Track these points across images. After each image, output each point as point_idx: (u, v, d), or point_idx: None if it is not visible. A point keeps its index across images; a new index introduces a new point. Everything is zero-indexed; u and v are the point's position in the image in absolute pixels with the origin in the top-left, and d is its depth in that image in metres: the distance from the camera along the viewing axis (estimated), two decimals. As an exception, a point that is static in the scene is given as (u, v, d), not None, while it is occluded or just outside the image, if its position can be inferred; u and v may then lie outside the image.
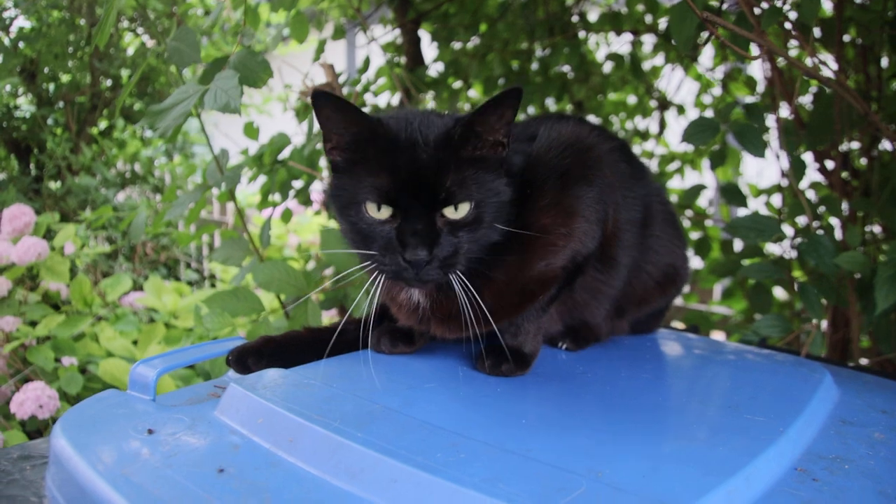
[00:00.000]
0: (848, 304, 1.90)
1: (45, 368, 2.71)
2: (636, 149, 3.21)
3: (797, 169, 1.87)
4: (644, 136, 3.15)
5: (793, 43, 2.32)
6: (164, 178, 4.59)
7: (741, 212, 3.34)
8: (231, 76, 1.73)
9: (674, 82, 3.04)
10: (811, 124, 1.98)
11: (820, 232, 1.81)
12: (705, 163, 2.96)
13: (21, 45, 3.84)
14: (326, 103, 1.25)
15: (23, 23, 3.80)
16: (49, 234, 3.17)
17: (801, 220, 2.01)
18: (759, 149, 1.67)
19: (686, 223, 2.90)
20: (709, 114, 2.94)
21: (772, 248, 2.38)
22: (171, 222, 3.35)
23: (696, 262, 3.13)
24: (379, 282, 1.28)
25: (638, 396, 1.29)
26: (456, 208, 1.23)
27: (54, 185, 3.83)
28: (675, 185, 3.14)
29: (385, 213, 1.23)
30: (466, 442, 1.01)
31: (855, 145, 2.17)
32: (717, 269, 2.38)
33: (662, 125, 3.09)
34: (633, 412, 1.21)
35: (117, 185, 4.05)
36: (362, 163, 1.26)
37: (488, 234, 1.28)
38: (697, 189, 2.59)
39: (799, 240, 1.82)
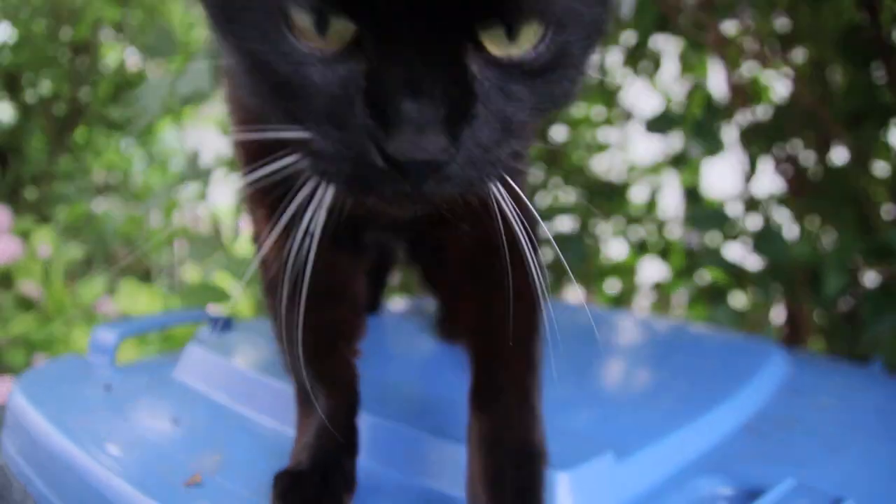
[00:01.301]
0: (800, 298, 1.94)
1: (15, 368, 2.70)
2: (599, 160, 3.23)
3: (751, 165, 1.92)
4: (606, 147, 3.17)
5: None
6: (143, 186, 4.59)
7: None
8: (202, 63, 1.77)
9: (638, 95, 3.08)
10: (767, 127, 2.03)
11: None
12: (668, 175, 3.00)
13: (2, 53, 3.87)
14: None
15: (4, 30, 3.83)
16: (25, 240, 3.16)
17: (757, 223, 2.05)
18: (714, 145, 1.73)
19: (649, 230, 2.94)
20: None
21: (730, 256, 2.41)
22: (145, 227, 3.36)
23: (661, 271, 3.15)
24: (316, 200, 0.57)
25: (586, 366, 1.29)
26: (513, 33, 0.53)
27: (32, 193, 3.83)
28: (641, 195, 3.16)
29: (339, 36, 0.52)
30: (424, 391, 1.03)
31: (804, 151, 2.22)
32: (681, 273, 2.42)
33: (626, 137, 3.13)
34: (582, 377, 1.21)
35: (95, 192, 4.04)
36: None
37: (570, 93, 0.61)
38: (655, 192, 2.62)
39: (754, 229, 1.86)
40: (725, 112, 1.92)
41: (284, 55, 0.52)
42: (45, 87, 3.97)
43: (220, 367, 1.10)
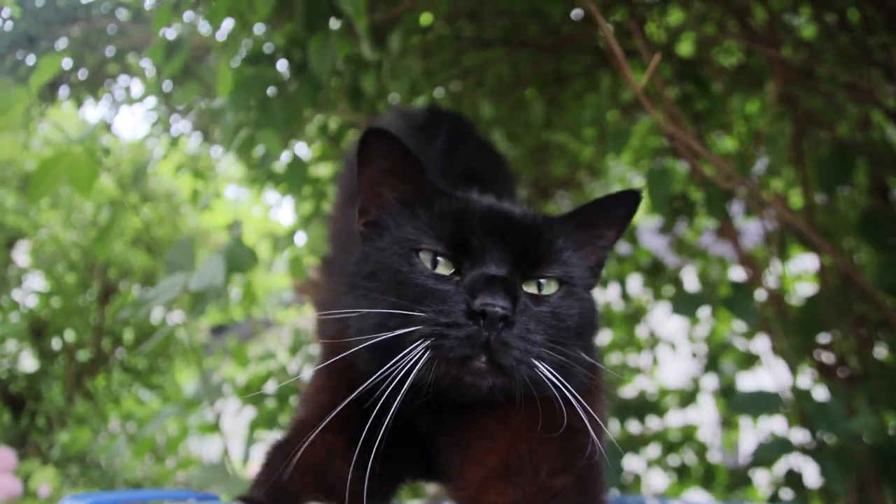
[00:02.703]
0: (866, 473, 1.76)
1: None
2: (630, 387, 3.15)
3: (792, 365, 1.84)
4: (635, 372, 3.09)
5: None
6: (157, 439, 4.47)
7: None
8: (217, 260, 1.79)
9: (663, 319, 3.07)
10: (800, 319, 1.98)
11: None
12: (702, 397, 2.88)
13: (32, 305, 4.02)
14: (386, 146, 0.99)
15: (35, 280, 4.01)
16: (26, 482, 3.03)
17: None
18: (748, 315, 1.68)
19: (692, 458, 2.77)
20: (700, 351, 2.95)
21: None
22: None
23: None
24: (416, 369, 0.86)
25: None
26: (540, 285, 0.95)
27: (42, 440, 3.74)
28: (676, 420, 3.02)
29: (445, 268, 0.93)
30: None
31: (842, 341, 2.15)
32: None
33: (655, 362, 3.07)
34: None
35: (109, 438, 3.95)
36: (418, 217, 0.98)
37: (571, 341, 0.94)
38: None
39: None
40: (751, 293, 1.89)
41: (412, 271, 0.92)
42: (70, 335, 4.05)
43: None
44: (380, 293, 0.93)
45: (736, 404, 1.70)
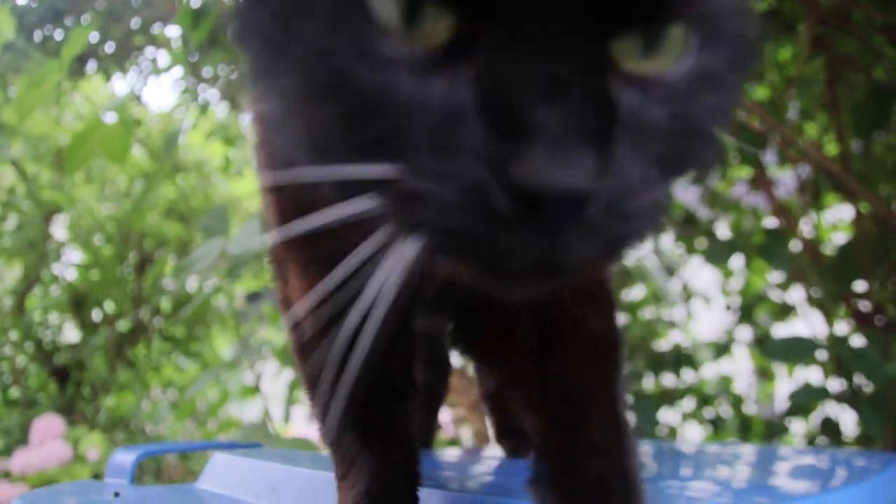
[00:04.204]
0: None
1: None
2: (661, 342, 3.14)
3: (827, 309, 1.83)
4: (671, 325, 3.09)
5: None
6: (197, 404, 4.58)
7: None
8: (254, 224, 1.82)
9: (697, 273, 3.05)
10: (835, 267, 1.96)
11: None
12: (737, 349, 2.88)
13: (71, 278, 4.10)
14: None
15: (74, 253, 4.08)
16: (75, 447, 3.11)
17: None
18: (782, 263, 1.67)
19: (727, 410, 2.77)
20: (734, 303, 2.93)
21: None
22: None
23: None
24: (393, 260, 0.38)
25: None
26: (652, 41, 0.38)
27: (89, 409, 3.85)
28: (711, 373, 3.02)
29: (431, 33, 0.37)
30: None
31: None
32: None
33: (689, 315, 3.07)
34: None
35: (152, 406, 4.07)
36: None
37: (700, 143, 0.43)
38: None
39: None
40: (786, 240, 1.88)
41: (362, 57, 0.36)
42: (109, 305, 4.14)
43: (246, 467, 1.00)
44: (304, 100, 0.40)
45: (771, 350, 1.70)
